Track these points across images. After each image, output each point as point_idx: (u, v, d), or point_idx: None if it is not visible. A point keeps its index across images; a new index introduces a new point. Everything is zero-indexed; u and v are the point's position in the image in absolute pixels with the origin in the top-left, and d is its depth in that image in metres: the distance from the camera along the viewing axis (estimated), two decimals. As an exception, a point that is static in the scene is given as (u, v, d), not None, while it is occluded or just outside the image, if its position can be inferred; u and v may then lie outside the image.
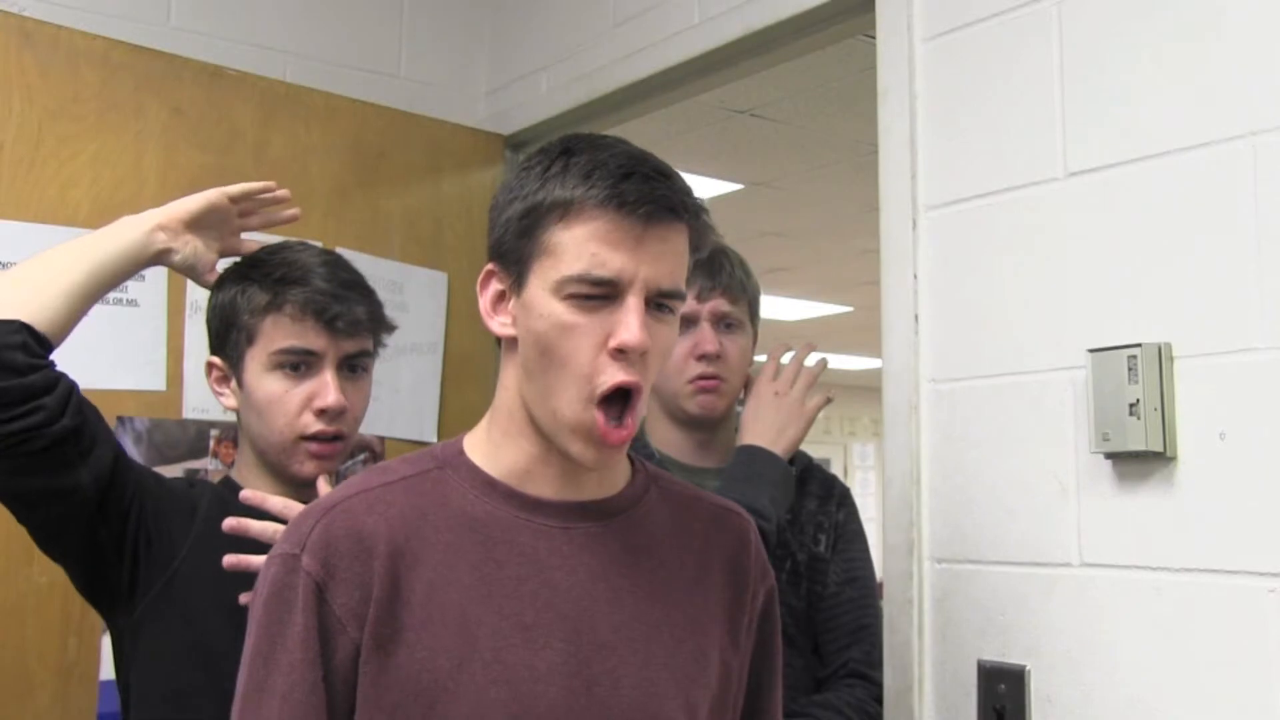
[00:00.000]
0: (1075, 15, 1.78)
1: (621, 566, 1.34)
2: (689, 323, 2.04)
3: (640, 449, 2.11)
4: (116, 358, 2.32)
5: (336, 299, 1.72)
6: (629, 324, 1.25)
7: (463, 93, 3.06)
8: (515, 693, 1.24)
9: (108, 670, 2.24)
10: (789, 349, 2.11)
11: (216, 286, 1.80)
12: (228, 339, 1.75)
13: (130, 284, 2.34)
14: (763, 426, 2.02)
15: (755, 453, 1.99)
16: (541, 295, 1.27)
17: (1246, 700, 1.52)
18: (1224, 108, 1.60)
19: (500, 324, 1.33)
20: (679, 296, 1.31)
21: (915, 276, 1.96)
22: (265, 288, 1.72)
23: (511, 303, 1.31)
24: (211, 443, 2.42)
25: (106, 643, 2.24)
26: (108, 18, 2.50)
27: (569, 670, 1.27)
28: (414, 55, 3.00)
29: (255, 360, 1.72)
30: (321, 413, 1.71)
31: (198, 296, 2.40)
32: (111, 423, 2.29)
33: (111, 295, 2.31)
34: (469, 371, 2.84)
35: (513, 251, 1.30)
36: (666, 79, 2.60)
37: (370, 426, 2.52)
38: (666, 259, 1.28)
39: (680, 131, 5.11)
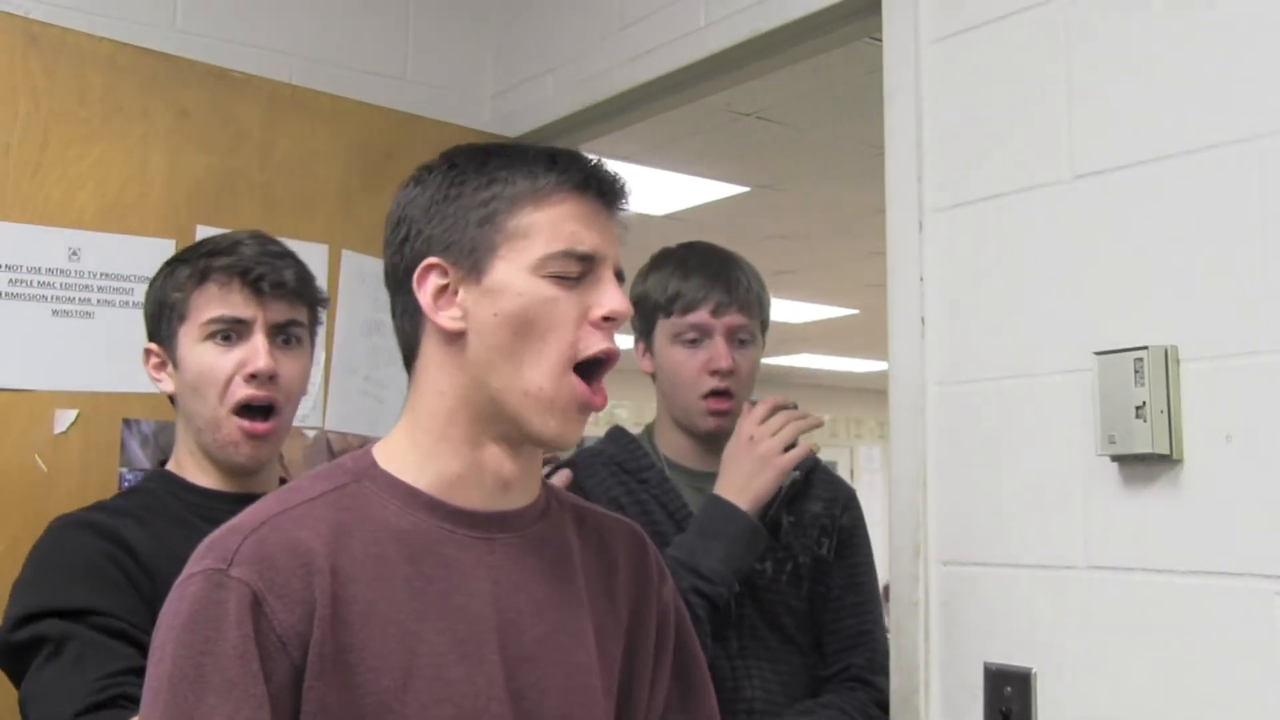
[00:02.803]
0: (1082, 17, 1.78)
1: (539, 577, 1.33)
2: (703, 336, 2.04)
3: (641, 457, 2.12)
4: (123, 360, 2.32)
5: (261, 263, 1.71)
6: (613, 294, 1.30)
7: (469, 95, 3.06)
8: (460, 710, 1.23)
9: (113, 672, 2.25)
10: (782, 403, 2.02)
11: (150, 283, 1.81)
12: (160, 323, 1.74)
13: (136, 286, 2.34)
14: (732, 475, 1.96)
15: (717, 507, 1.94)
16: (519, 275, 1.27)
17: (1254, 702, 1.51)
18: (1231, 110, 1.59)
19: (450, 318, 1.29)
20: (623, 278, 1.36)
21: (922, 279, 1.96)
22: (191, 263, 1.72)
23: (461, 294, 1.29)
24: (217, 445, 2.42)
25: (112, 645, 2.25)
26: (114, 20, 2.50)
27: (503, 684, 1.26)
28: (420, 58, 3.00)
29: (187, 336, 1.71)
30: (252, 377, 1.68)
31: (204, 299, 2.41)
32: (118, 425, 2.31)
33: (117, 298, 2.33)
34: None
35: (465, 242, 1.29)
36: (673, 81, 2.60)
37: (376, 429, 2.52)
38: (618, 242, 1.34)
39: (686, 134, 5.11)
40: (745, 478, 1.94)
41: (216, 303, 1.70)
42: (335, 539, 1.23)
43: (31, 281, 2.24)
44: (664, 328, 2.09)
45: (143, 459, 2.33)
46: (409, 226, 1.32)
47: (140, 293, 2.33)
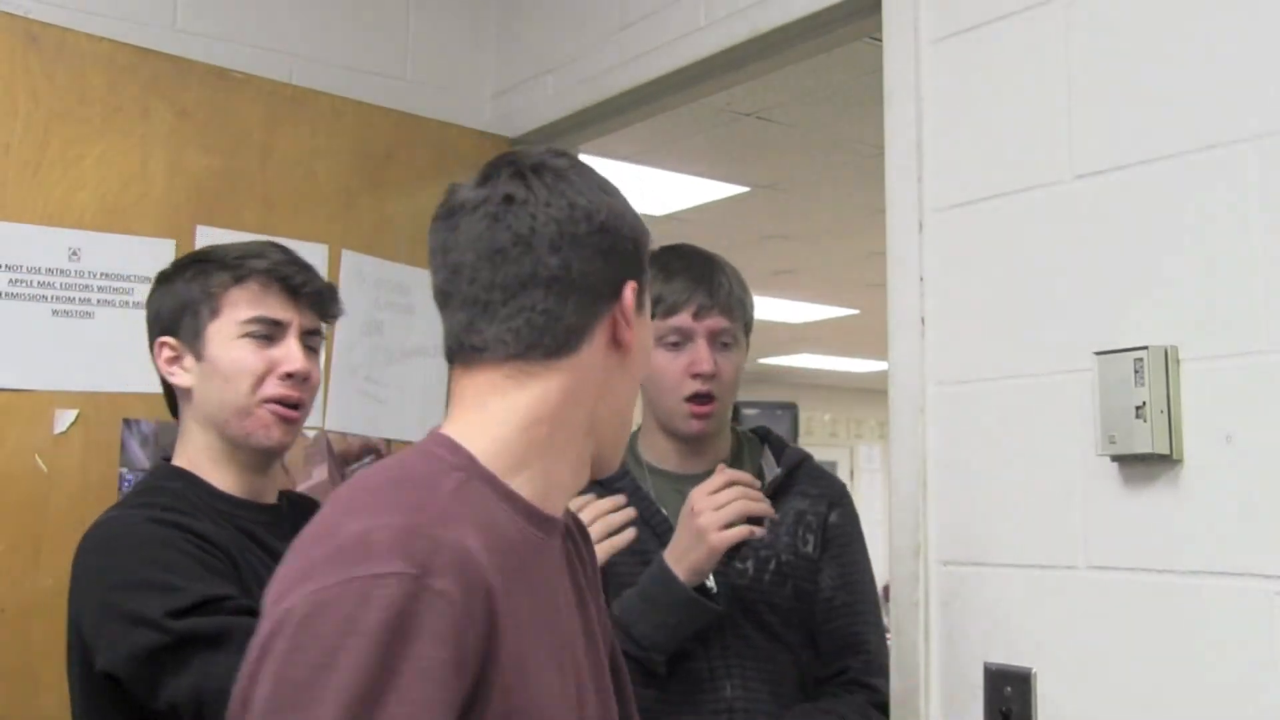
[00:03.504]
0: (1082, 17, 1.78)
1: (571, 583, 1.33)
2: (685, 339, 2.04)
3: (630, 461, 2.12)
4: (123, 360, 2.32)
5: (298, 272, 1.79)
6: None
7: (469, 95, 3.06)
8: None
9: (114, 672, 2.25)
10: (737, 479, 1.94)
11: (159, 282, 1.84)
12: (181, 320, 1.78)
13: (136, 286, 2.34)
14: (675, 542, 1.93)
15: (660, 572, 1.91)
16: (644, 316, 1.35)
17: (1254, 702, 1.51)
18: (1231, 110, 1.59)
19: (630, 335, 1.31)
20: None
21: (922, 279, 1.96)
22: (224, 267, 1.77)
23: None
24: (217, 445, 2.42)
25: (112, 645, 2.25)
26: (114, 20, 2.50)
27: (575, 694, 1.24)
28: (420, 58, 3.00)
29: (221, 333, 1.76)
30: (288, 377, 1.75)
31: (204, 299, 2.41)
32: (118, 425, 2.31)
33: (117, 298, 2.33)
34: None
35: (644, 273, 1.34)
36: (672, 81, 2.60)
37: (377, 429, 2.53)
38: None
39: (686, 134, 5.11)
40: (683, 549, 1.91)
41: (256, 303, 1.76)
42: (486, 549, 1.14)
43: (31, 281, 2.24)
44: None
45: (143, 459, 2.33)
46: (614, 238, 1.31)
47: (140, 293, 2.34)
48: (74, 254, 2.29)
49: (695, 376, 2.02)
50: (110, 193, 2.35)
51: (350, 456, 2.56)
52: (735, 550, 1.93)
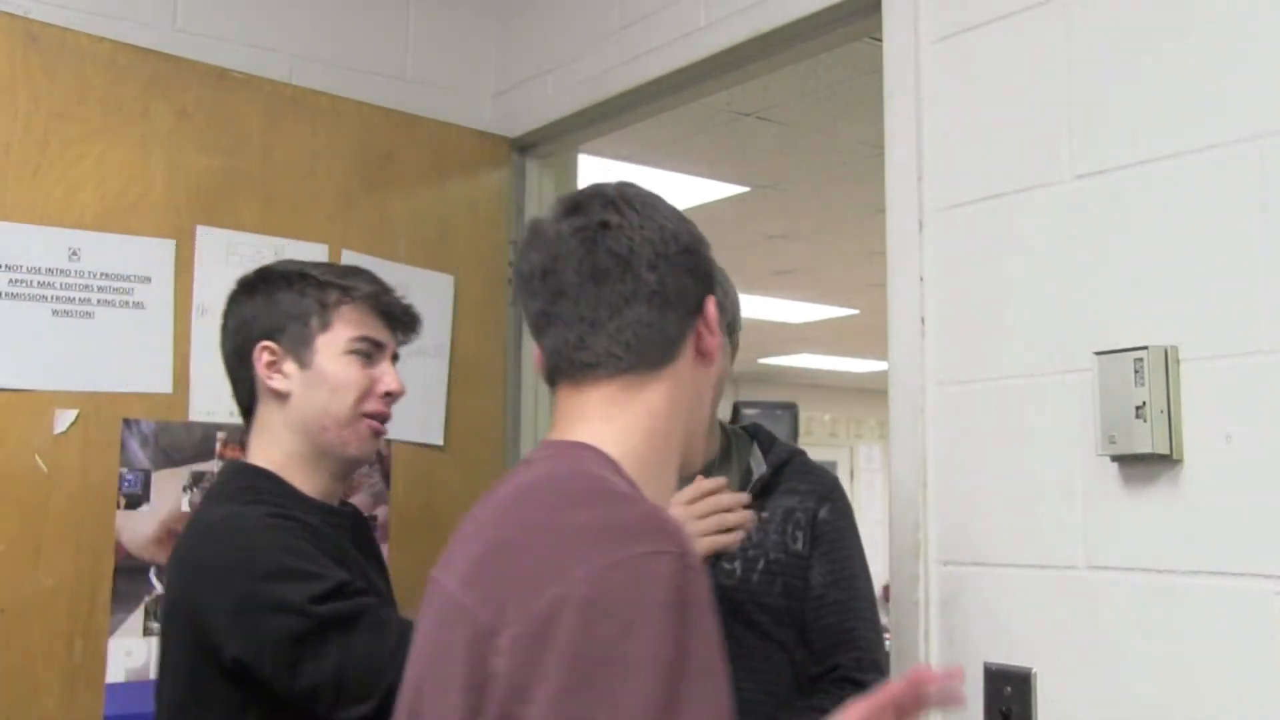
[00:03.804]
0: (1082, 18, 1.78)
1: None
2: None
3: None
4: (122, 360, 2.33)
5: (396, 298, 1.95)
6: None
7: (469, 95, 3.06)
8: None
9: (114, 673, 2.26)
10: (713, 489, 1.89)
11: (247, 291, 1.92)
12: (287, 328, 1.88)
13: (136, 286, 2.34)
14: None
15: None
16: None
17: (1254, 702, 1.51)
18: (1231, 110, 1.59)
19: (718, 345, 1.43)
20: None
21: (922, 279, 1.96)
22: (335, 285, 1.90)
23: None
24: (218, 445, 2.42)
25: (113, 645, 2.25)
26: (114, 20, 2.50)
27: None
28: (420, 58, 3.00)
29: (330, 346, 1.87)
30: (386, 395, 1.91)
31: (204, 299, 2.41)
32: (118, 425, 2.31)
33: (117, 298, 2.33)
34: (476, 375, 2.84)
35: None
36: (673, 81, 2.60)
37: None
38: None
39: (687, 134, 5.11)
40: None
41: (363, 324, 1.90)
42: None
43: (31, 281, 2.24)
44: None
45: (143, 459, 2.33)
46: (696, 257, 1.42)
47: (140, 293, 2.35)
48: (74, 254, 2.29)
49: None
50: (110, 193, 2.35)
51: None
52: (719, 553, 1.93)
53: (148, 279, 2.37)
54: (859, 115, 4.80)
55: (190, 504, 2.37)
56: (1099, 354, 1.67)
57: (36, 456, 2.23)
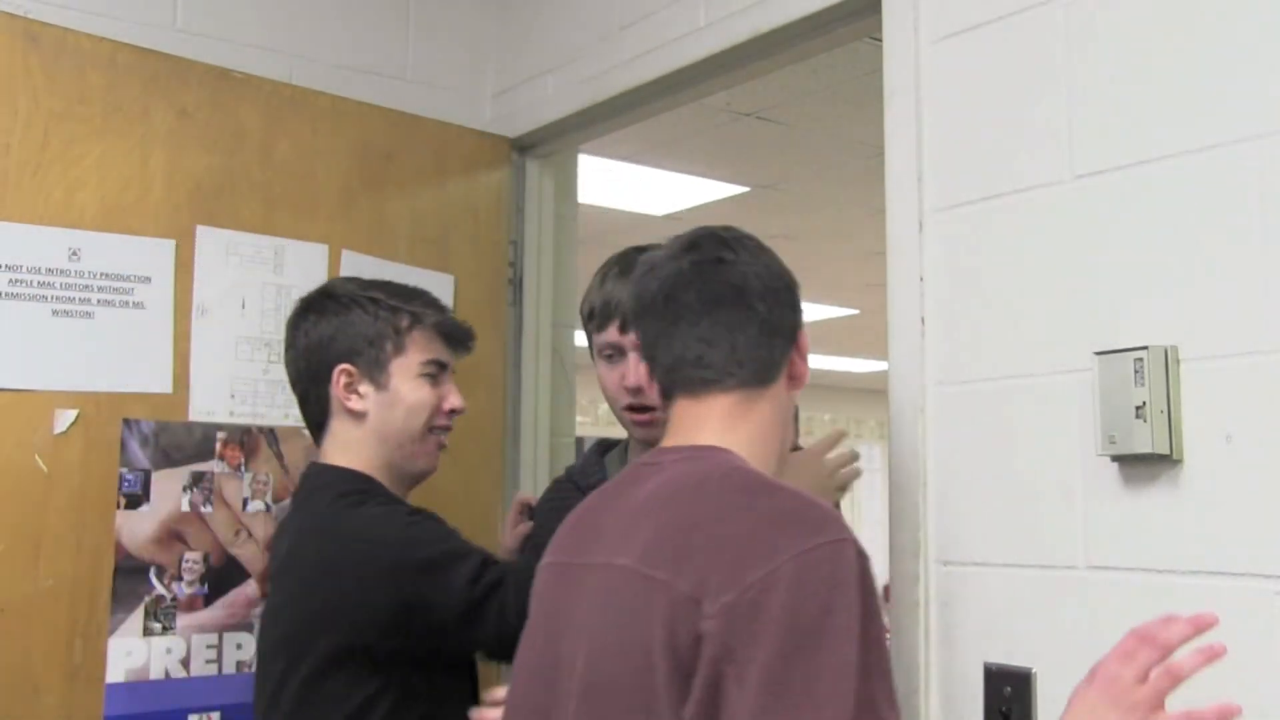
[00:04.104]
0: (1082, 18, 1.78)
1: None
2: (619, 353, 2.05)
3: (593, 473, 2.19)
4: (122, 360, 2.33)
5: (456, 320, 2.14)
6: None
7: (469, 95, 3.06)
8: None
9: (114, 673, 2.25)
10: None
11: (316, 310, 2.08)
12: (362, 351, 2.04)
13: (136, 286, 2.34)
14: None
15: None
16: None
17: (1254, 702, 1.51)
18: (1231, 111, 1.59)
19: (801, 369, 1.66)
20: None
21: (922, 279, 1.96)
22: (404, 311, 2.07)
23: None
24: (218, 445, 2.42)
25: (113, 645, 2.25)
26: (114, 20, 2.50)
27: None
28: (420, 58, 3.00)
29: (404, 369, 2.06)
30: (451, 412, 2.10)
31: (204, 299, 2.42)
32: (118, 425, 2.31)
33: (117, 298, 2.33)
34: (476, 375, 2.84)
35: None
36: (673, 81, 2.60)
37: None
38: None
39: (686, 134, 5.11)
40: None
41: (432, 347, 2.09)
42: None
43: (31, 281, 2.24)
44: (593, 342, 2.11)
45: (143, 459, 2.33)
46: (794, 294, 1.68)
47: (140, 293, 2.35)
48: (74, 254, 2.29)
49: (627, 390, 2.05)
50: (110, 193, 2.35)
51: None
52: None
53: (148, 279, 2.37)
54: (859, 115, 4.80)
55: (190, 504, 2.37)
56: (1099, 354, 1.67)
57: (36, 456, 2.23)
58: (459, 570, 1.92)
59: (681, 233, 1.67)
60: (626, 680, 1.37)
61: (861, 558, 1.35)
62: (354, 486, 2.02)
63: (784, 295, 1.64)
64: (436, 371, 2.08)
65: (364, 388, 2.05)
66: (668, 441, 1.60)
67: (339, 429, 2.07)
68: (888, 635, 2.03)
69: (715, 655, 1.30)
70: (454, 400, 2.11)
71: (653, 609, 1.36)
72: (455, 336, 2.13)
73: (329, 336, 2.06)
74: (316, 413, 2.09)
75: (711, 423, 1.57)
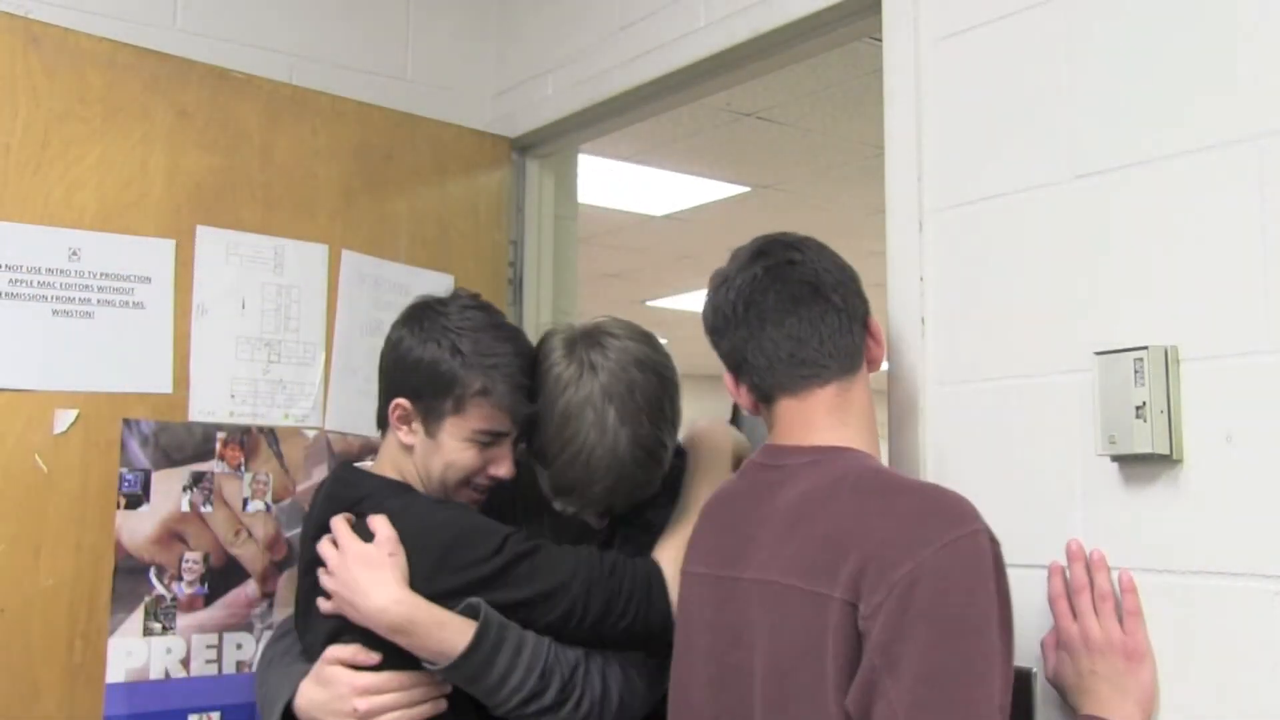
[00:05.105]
0: (1082, 17, 1.77)
1: None
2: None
3: None
4: (122, 360, 2.33)
5: (528, 397, 2.03)
6: None
7: (469, 95, 3.06)
8: None
9: (114, 673, 2.25)
10: None
11: (403, 335, 2.05)
12: (430, 398, 2.01)
13: (136, 286, 2.34)
14: None
15: None
16: None
17: (1254, 702, 1.51)
18: (1231, 110, 1.59)
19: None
20: None
21: (922, 279, 1.96)
22: (478, 373, 2.00)
23: None
24: (218, 445, 2.42)
25: (113, 645, 2.25)
26: (114, 20, 2.50)
27: None
28: (420, 58, 3.00)
29: (456, 429, 2.01)
30: (493, 478, 2.05)
31: (204, 299, 2.42)
32: (118, 425, 2.31)
33: (118, 298, 2.33)
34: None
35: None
36: (673, 81, 2.60)
37: (373, 429, 2.52)
38: None
39: (686, 134, 5.12)
40: None
41: (491, 418, 2.00)
42: None
43: (31, 281, 2.24)
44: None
45: (143, 459, 2.33)
46: (859, 283, 1.78)
47: (140, 293, 2.35)
48: (74, 254, 2.29)
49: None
50: (110, 193, 2.35)
51: (350, 456, 2.56)
52: None
53: (148, 279, 2.37)
54: (859, 115, 4.81)
55: (190, 504, 2.37)
56: (1099, 354, 1.67)
57: (36, 456, 2.23)
58: (487, 542, 1.95)
59: (739, 247, 1.79)
60: (805, 689, 1.49)
61: (994, 544, 1.47)
62: (400, 485, 2.05)
63: (852, 285, 1.75)
64: (490, 440, 2.03)
65: (415, 425, 2.03)
66: (780, 440, 1.71)
67: (390, 438, 2.08)
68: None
69: (871, 649, 1.41)
70: (500, 469, 2.05)
71: (823, 621, 1.47)
72: (519, 410, 2.04)
73: (406, 363, 2.04)
74: (382, 413, 2.09)
75: (820, 418, 1.68)
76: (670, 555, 1.95)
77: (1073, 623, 1.64)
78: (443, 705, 1.93)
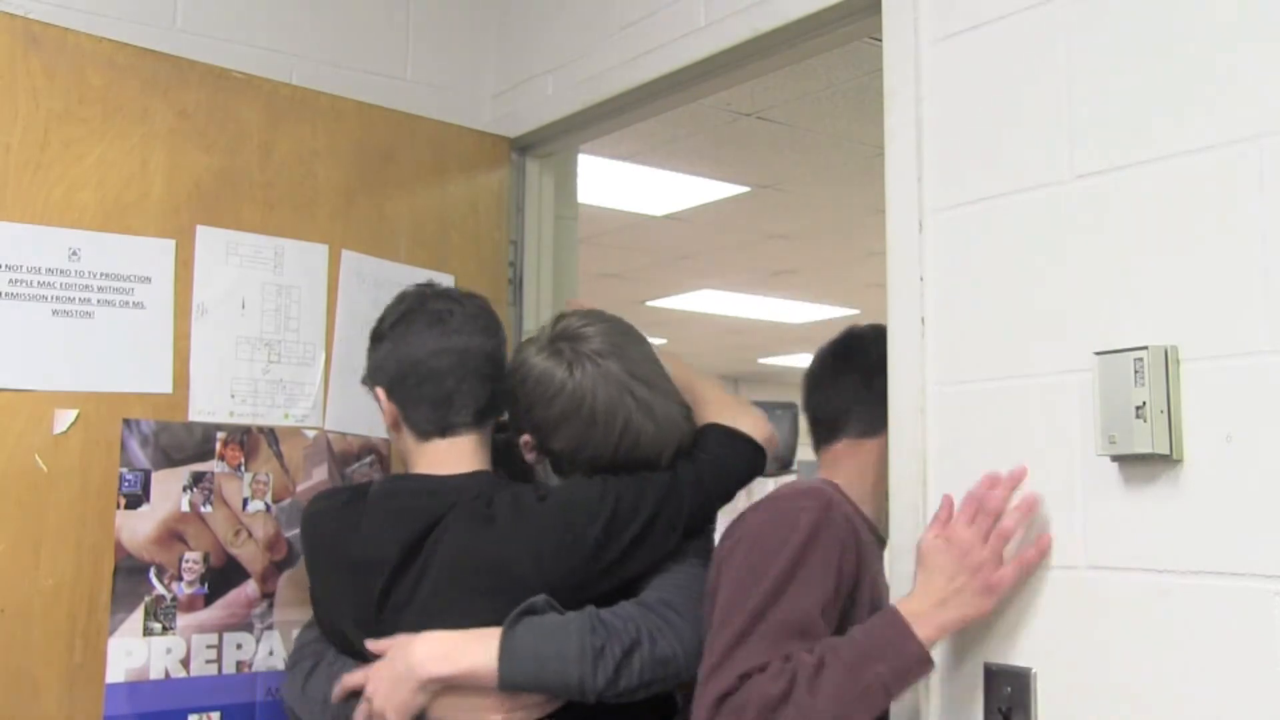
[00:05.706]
0: (1082, 17, 1.78)
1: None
2: None
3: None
4: (122, 360, 2.33)
5: None
6: None
7: (469, 95, 3.06)
8: None
9: (114, 673, 2.25)
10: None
11: (394, 334, 2.16)
12: (394, 394, 2.15)
13: (136, 286, 2.34)
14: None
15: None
16: None
17: (1253, 702, 1.51)
18: (1231, 110, 1.59)
19: None
20: None
21: (922, 279, 1.96)
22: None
23: None
24: (217, 445, 2.42)
25: (113, 645, 2.25)
26: (114, 20, 2.50)
27: None
28: (420, 58, 3.00)
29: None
30: None
31: (204, 299, 2.42)
32: (118, 425, 2.31)
33: (118, 298, 2.33)
34: (475, 374, 2.84)
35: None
36: (672, 81, 2.60)
37: (377, 429, 2.53)
38: None
39: (686, 134, 5.12)
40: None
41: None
42: (854, 522, 2.01)
43: (31, 281, 2.24)
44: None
45: (143, 459, 2.33)
46: None
47: (140, 293, 2.35)
48: (74, 254, 2.28)
49: None
50: (110, 193, 2.35)
51: (350, 456, 2.57)
52: None
53: (148, 279, 2.37)
54: (859, 115, 4.81)
55: (190, 504, 2.37)
56: (1099, 354, 1.67)
57: (36, 456, 2.23)
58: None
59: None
60: None
61: (821, 512, 1.90)
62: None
63: (876, 360, 2.09)
64: None
65: (390, 420, 2.17)
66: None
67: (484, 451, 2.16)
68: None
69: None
70: None
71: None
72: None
73: (388, 360, 2.15)
74: (491, 415, 2.17)
75: (835, 464, 2.20)
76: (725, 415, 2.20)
77: (957, 517, 1.79)
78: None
